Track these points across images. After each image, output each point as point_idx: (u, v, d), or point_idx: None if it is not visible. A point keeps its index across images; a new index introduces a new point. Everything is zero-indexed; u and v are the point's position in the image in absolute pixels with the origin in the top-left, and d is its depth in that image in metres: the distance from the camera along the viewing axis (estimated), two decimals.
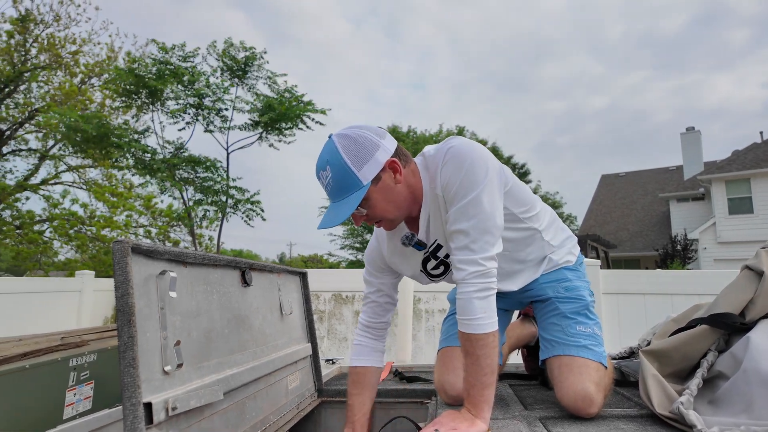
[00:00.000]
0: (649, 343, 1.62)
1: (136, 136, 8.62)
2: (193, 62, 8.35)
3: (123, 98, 8.51)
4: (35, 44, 11.34)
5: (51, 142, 8.82)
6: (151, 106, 8.50)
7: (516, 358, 1.87)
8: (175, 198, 9.05)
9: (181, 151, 8.71)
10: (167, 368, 0.92)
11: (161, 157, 8.45)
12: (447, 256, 1.29)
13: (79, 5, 11.77)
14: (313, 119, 8.75)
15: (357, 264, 19.65)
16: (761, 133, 17.51)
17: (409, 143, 18.14)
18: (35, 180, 12.05)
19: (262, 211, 9.05)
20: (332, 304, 4.12)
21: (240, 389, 1.19)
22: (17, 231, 11.54)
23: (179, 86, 8.09)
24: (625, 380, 1.65)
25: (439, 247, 1.27)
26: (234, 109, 8.68)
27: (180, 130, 8.71)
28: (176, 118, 8.51)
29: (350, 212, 1.07)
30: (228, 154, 8.98)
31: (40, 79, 11.67)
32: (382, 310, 1.41)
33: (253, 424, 1.23)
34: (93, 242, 11.60)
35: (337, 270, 4.73)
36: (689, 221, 16.22)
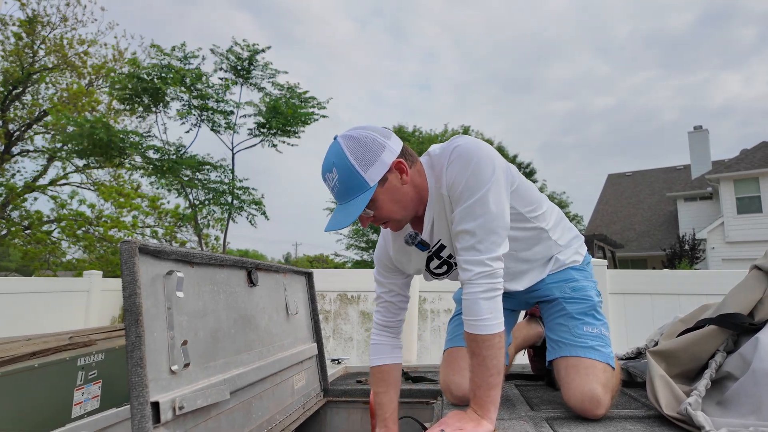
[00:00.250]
0: (656, 344, 1.60)
1: (140, 139, 8.67)
2: (193, 64, 8.39)
3: (126, 102, 8.56)
4: (43, 46, 11.45)
5: (59, 144, 8.92)
6: (154, 108, 8.53)
7: (522, 359, 1.86)
8: (180, 196, 9.10)
9: (182, 151, 8.75)
10: (174, 368, 0.93)
11: (166, 158, 8.50)
12: (450, 256, 1.29)
13: (85, 6, 11.88)
14: (317, 116, 8.77)
15: (362, 264, 19.66)
16: None
17: (415, 143, 18.12)
18: (44, 181, 12.18)
19: (264, 213, 9.08)
20: (338, 304, 4.12)
21: (246, 389, 1.20)
22: (25, 231, 11.65)
23: (182, 88, 8.12)
24: (632, 381, 1.64)
25: (442, 247, 1.27)
26: (238, 107, 8.70)
27: (186, 132, 8.76)
28: (183, 120, 8.55)
29: (358, 214, 1.06)
30: (233, 154, 9.02)
31: (48, 80, 11.78)
32: (396, 308, 1.41)
33: (259, 424, 1.24)
34: (100, 242, 11.69)
35: (343, 270, 4.73)
36: (697, 221, 16.09)
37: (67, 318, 4.72)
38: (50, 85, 11.95)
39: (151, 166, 8.37)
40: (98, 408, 1.50)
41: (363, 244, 19.75)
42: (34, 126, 12.15)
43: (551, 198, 19.60)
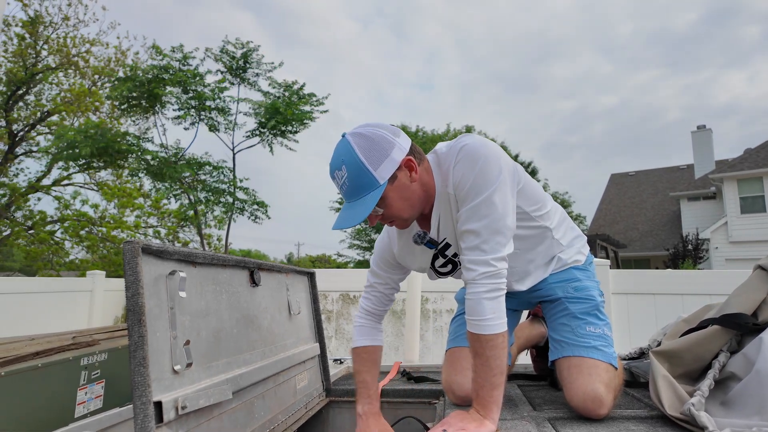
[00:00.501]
0: (659, 344, 1.60)
1: (136, 141, 8.69)
2: (191, 65, 8.40)
3: (125, 105, 8.58)
4: (45, 46, 11.49)
5: (58, 148, 8.98)
6: (152, 110, 8.55)
7: (525, 359, 1.86)
8: (179, 199, 9.13)
9: (181, 154, 8.77)
10: (177, 367, 0.93)
11: (164, 157, 8.51)
12: (455, 254, 1.29)
13: (86, 6, 11.91)
14: (317, 112, 8.77)
15: (365, 264, 19.66)
16: None
17: (418, 143, 18.10)
18: (47, 181, 12.22)
19: (266, 212, 9.10)
20: (340, 303, 4.13)
21: (249, 389, 1.20)
22: (29, 231, 11.70)
23: (179, 90, 8.14)
24: (635, 381, 1.63)
25: (447, 245, 1.27)
26: (238, 103, 8.72)
27: (185, 129, 8.77)
28: (181, 120, 8.58)
29: (368, 213, 1.05)
30: (234, 154, 9.03)
31: (51, 80, 11.82)
32: (386, 299, 1.44)
33: (261, 424, 1.24)
34: (103, 243, 11.73)
35: (345, 270, 4.74)
36: (700, 220, 16.03)
37: (70, 318, 4.74)
38: (53, 86, 12.00)
39: (146, 170, 8.39)
40: (101, 408, 1.50)
41: (365, 244, 19.76)
42: (38, 127, 12.20)
43: (554, 198, 19.58)
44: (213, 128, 8.78)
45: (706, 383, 1.16)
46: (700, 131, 18.26)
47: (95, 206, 12.09)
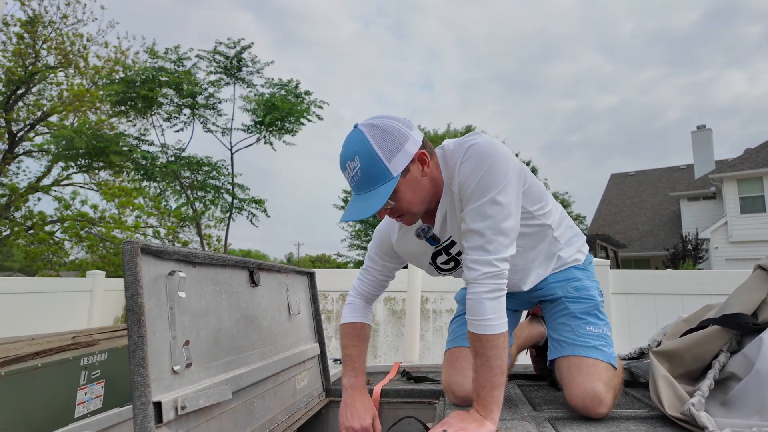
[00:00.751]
0: (659, 344, 1.60)
1: (135, 142, 8.70)
2: (186, 66, 8.41)
3: (120, 107, 8.59)
4: (44, 45, 11.49)
5: (55, 146, 9.01)
6: (148, 111, 8.56)
7: (525, 359, 1.86)
8: (174, 198, 9.14)
9: (181, 152, 8.77)
10: (176, 368, 0.93)
11: (162, 161, 8.52)
12: (459, 253, 1.29)
13: (85, 5, 11.91)
14: (314, 114, 8.78)
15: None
16: None
17: None
18: (47, 181, 12.22)
19: (265, 211, 9.10)
20: (340, 304, 4.12)
21: (248, 389, 1.20)
22: (28, 232, 11.69)
23: (173, 92, 8.15)
24: (635, 381, 1.63)
25: (452, 243, 1.27)
26: (234, 103, 8.74)
27: (177, 131, 8.79)
28: (172, 121, 8.59)
29: (380, 205, 1.04)
30: (232, 154, 9.03)
31: (51, 80, 11.82)
32: (379, 284, 1.47)
33: (261, 424, 1.24)
34: (103, 243, 11.73)
35: (345, 270, 4.73)
36: (700, 220, 16.04)
37: (70, 318, 4.74)
38: (53, 86, 11.99)
39: (142, 171, 8.40)
40: (101, 408, 1.50)
41: (365, 244, 19.76)
42: (37, 126, 12.20)
43: (554, 197, 19.58)
44: (207, 126, 8.79)
45: (706, 383, 1.16)
46: (700, 131, 18.27)
47: (95, 206, 12.09)
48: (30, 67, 11.36)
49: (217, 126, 8.87)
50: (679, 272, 3.65)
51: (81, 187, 12.40)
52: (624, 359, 1.85)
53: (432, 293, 3.97)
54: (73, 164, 9.39)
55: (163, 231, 12.18)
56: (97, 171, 10.75)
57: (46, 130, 12.11)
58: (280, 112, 8.27)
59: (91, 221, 11.77)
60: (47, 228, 11.88)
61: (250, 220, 9.11)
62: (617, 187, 21.92)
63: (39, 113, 11.98)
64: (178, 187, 8.72)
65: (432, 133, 19.19)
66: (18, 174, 12.00)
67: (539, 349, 1.77)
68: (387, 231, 1.39)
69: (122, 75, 8.41)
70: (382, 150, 1.06)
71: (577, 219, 22.42)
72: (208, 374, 1.04)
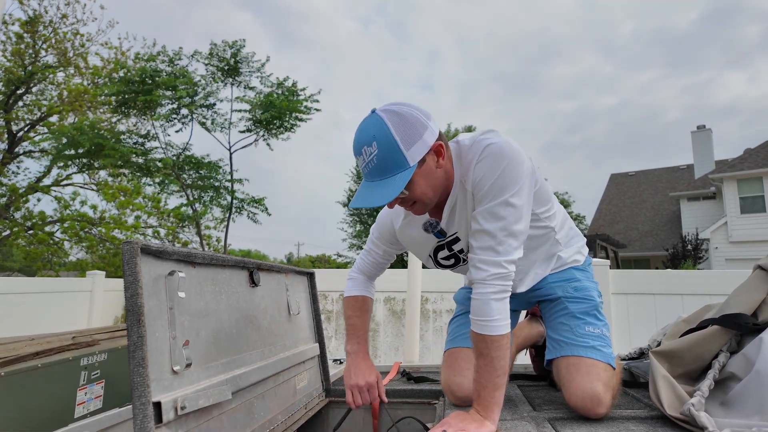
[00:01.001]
0: (659, 344, 1.60)
1: (136, 139, 8.72)
2: (180, 65, 8.44)
3: (120, 108, 8.60)
4: (44, 45, 11.48)
5: (62, 142, 9.02)
6: (148, 111, 8.58)
7: (525, 359, 1.86)
8: (177, 195, 9.15)
9: (185, 151, 8.79)
10: (176, 368, 0.93)
11: (162, 157, 8.54)
12: (461, 251, 1.29)
13: (84, 5, 11.91)
14: (311, 108, 8.80)
15: None
16: None
17: None
18: (47, 181, 12.22)
19: (266, 209, 9.12)
20: (340, 304, 4.12)
21: (248, 389, 1.20)
22: (28, 232, 11.69)
23: (171, 92, 8.17)
24: (634, 381, 1.63)
25: (456, 240, 1.26)
26: (232, 102, 8.77)
27: (177, 131, 8.82)
28: (170, 120, 8.61)
29: (396, 194, 1.01)
30: (231, 154, 9.05)
31: (50, 80, 11.82)
32: (380, 266, 1.50)
33: (261, 424, 1.24)
34: (102, 243, 11.72)
35: (345, 270, 4.73)
36: (700, 220, 16.04)
37: (70, 318, 4.74)
38: (52, 86, 11.99)
39: (137, 168, 8.41)
40: (101, 408, 1.50)
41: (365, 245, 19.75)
42: (37, 126, 12.20)
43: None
44: (204, 125, 8.80)
45: (706, 383, 1.16)
46: (700, 131, 18.27)
47: (94, 207, 12.09)
48: (30, 67, 11.36)
49: (215, 126, 8.89)
50: (679, 272, 3.65)
51: (81, 187, 12.41)
52: (624, 359, 1.85)
53: (432, 293, 3.97)
54: (72, 163, 9.39)
55: (162, 231, 12.18)
56: (96, 170, 10.75)
57: (45, 130, 12.11)
58: (278, 110, 8.29)
59: (91, 221, 11.76)
60: (47, 228, 11.88)
61: (252, 219, 9.12)
62: (617, 187, 21.92)
63: (38, 113, 11.98)
64: (177, 188, 8.72)
65: None
66: (18, 174, 12.02)
67: (538, 349, 1.76)
68: (390, 217, 1.38)
69: (122, 75, 8.42)
70: (402, 138, 1.03)
71: (577, 219, 22.42)
72: (207, 374, 1.04)
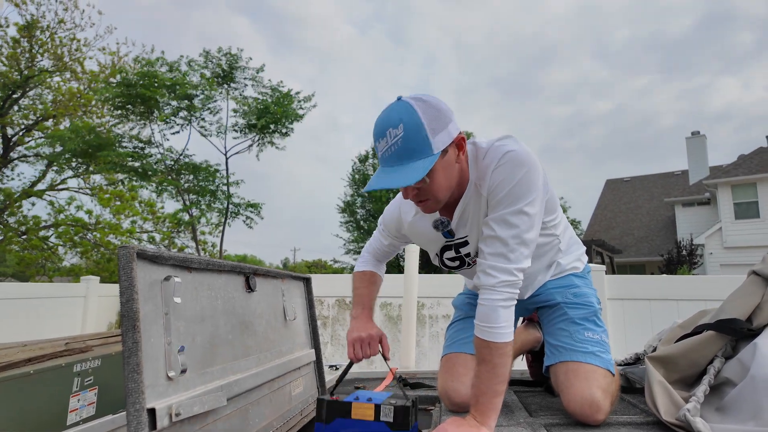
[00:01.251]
0: (655, 349, 1.60)
1: (134, 143, 8.73)
2: (180, 70, 8.47)
3: (120, 111, 8.60)
4: (40, 50, 11.46)
5: (59, 147, 8.95)
6: (149, 116, 8.59)
7: (520, 364, 1.86)
8: (175, 200, 9.14)
9: (183, 157, 8.80)
10: (171, 374, 0.92)
11: (159, 160, 8.54)
12: (468, 254, 1.29)
13: (83, 11, 11.91)
14: (305, 107, 8.85)
15: None
16: (767, 137, 17.44)
17: None
18: (42, 186, 12.15)
19: (259, 212, 9.12)
20: (336, 309, 4.11)
21: (243, 395, 1.19)
22: (22, 237, 11.60)
23: (170, 93, 8.19)
24: (631, 387, 1.63)
25: (465, 243, 1.27)
26: (228, 106, 8.81)
27: (174, 133, 8.83)
28: (169, 122, 8.62)
29: (419, 177, 1.00)
30: (227, 158, 9.06)
31: (46, 84, 11.78)
32: (388, 255, 1.53)
33: (256, 430, 1.23)
34: (97, 248, 11.65)
35: (341, 275, 4.73)
36: (695, 226, 16.12)
37: (63, 324, 4.70)
38: (48, 90, 11.95)
39: (134, 172, 8.41)
40: (94, 415, 1.48)
41: (361, 250, 19.73)
42: (32, 131, 12.15)
43: None
44: (203, 130, 8.82)
45: (702, 389, 1.17)
46: (695, 137, 18.41)
47: (89, 212, 12.02)
48: (25, 71, 11.33)
49: (210, 131, 8.91)
50: (674, 278, 3.66)
51: (76, 191, 12.34)
52: (620, 365, 1.85)
53: (428, 299, 3.97)
54: (68, 167, 9.35)
55: (158, 236, 12.12)
56: (91, 173, 10.71)
57: (40, 134, 12.06)
58: (273, 116, 8.33)
59: (86, 226, 11.70)
60: (41, 233, 11.81)
61: (247, 224, 9.12)
62: (613, 192, 22.03)
63: (34, 118, 11.93)
64: (174, 191, 8.71)
65: None
66: (12, 179, 11.95)
67: (535, 355, 1.76)
68: (398, 211, 1.37)
69: (120, 78, 8.43)
70: (429, 124, 1.02)
71: (573, 224, 22.50)
72: (203, 380, 1.03)
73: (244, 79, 8.87)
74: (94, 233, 11.68)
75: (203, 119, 8.79)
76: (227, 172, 9.03)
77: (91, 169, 9.63)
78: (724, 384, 1.20)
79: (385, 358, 1.32)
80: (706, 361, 1.26)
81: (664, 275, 4.04)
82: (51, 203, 11.94)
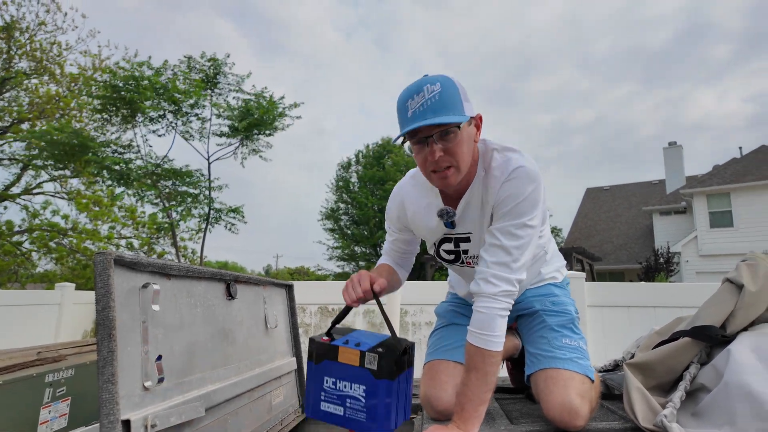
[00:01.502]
0: (633, 356, 1.63)
1: (114, 148, 8.59)
2: (166, 75, 8.40)
3: (104, 112, 8.46)
4: (19, 51, 11.19)
5: (35, 151, 8.71)
6: (132, 120, 8.46)
7: (502, 372, 1.86)
8: (154, 204, 8.99)
9: (164, 162, 8.68)
10: (147, 384, 0.90)
11: (141, 165, 8.41)
12: (466, 251, 1.31)
13: (65, 13, 11.70)
14: (290, 116, 8.84)
15: (344, 276, 19.54)
16: (740, 148, 18.03)
17: (402, 155, 18.22)
18: (17, 189, 11.80)
19: (242, 218, 9.05)
20: (318, 317, 4.08)
21: (222, 405, 1.17)
22: None
23: (156, 96, 8.09)
24: (610, 393, 1.65)
25: (467, 239, 1.28)
26: (211, 111, 8.74)
27: (159, 136, 8.72)
28: (155, 124, 8.53)
29: (460, 120, 1.05)
30: (209, 163, 8.97)
31: (23, 86, 11.50)
32: (399, 256, 1.46)
33: None
34: (73, 254, 11.35)
35: (324, 282, 4.70)
36: (672, 234, 16.50)
37: (36, 332, 4.55)
38: (24, 92, 11.66)
39: (117, 176, 8.26)
40: (65, 427, 1.44)
41: (346, 256, 19.66)
42: (7, 133, 11.81)
43: None
44: (188, 135, 8.73)
45: (678, 395, 1.19)
46: (672, 147, 18.90)
47: (66, 216, 11.72)
48: (2, 73, 11.04)
49: (193, 135, 8.82)
50: (652, 285, 3.73)
51: (52, 196, 12.03)
52: (599, 371, 1.88)
53: (411, 306, 3.96)
54: (45, 171, 9.12)
55: (137, 242, 11.87)
56: (68, 178, 10.45)
57: (15, 137, 11.73)
58: (256, 119, 8.30)
59: (62, 231, 11.40)
60: (14, 238, 11.45)
61: (230, 229, 9.02)
62: (592, 201, 22.43)
63: (9, 120, 11.62)
64: (154, 196, 8.57)
65: None
66: None
67: (515, 362, 1.77)
68: (400, 198, 1.37)
69: (107, 79, 8.28)
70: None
71: (554, 232, 22.82)
72: (180, 390, 1.01)
73: (228, 84, 8.83)
74: (71, 239, 11.38)
75: (189, 122, 8.70)
76: (209, 176, 8.94)
77: (68, 173, 9.39)
78: (699, 390, 1.23)
79: (376, 294, 1.21)
80: (682, 367, 1.29)
81: (642, 282, 4.11)
82: (25, 207, 11.60)
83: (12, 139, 11.47)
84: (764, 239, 13.44)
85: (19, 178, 11.68)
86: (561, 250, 1.67)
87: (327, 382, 1.11)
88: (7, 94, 11.54)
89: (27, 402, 1.32)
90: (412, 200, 1.34)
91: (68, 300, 4.88)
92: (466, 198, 1.22)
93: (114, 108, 8.25)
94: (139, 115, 8.36)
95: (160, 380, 0.93)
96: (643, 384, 1.27)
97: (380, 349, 1.07)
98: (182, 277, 1.10)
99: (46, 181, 11.74)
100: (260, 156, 9.19)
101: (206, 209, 8.76)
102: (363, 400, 1.07)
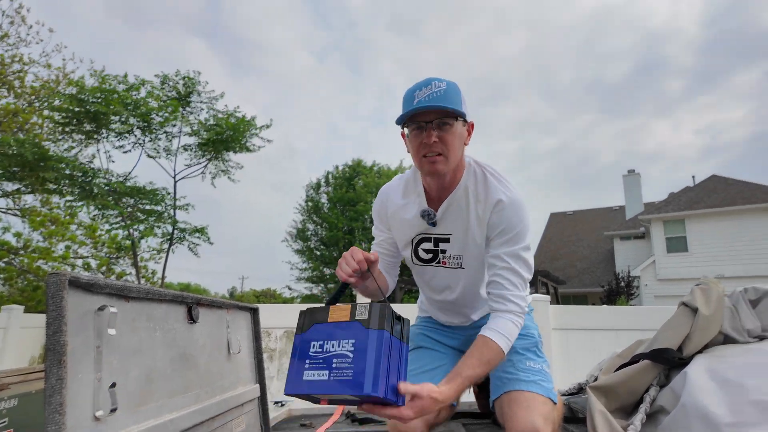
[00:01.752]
0: (596, 379, 1.66)
1: (77, 163, 8.29)
2: (137, 94, 8.25)
3: (66, 126, 8.18)
4: None
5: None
6: (96, 135, 8.22)
7: (468, 397, 1.86)
8: (115, 224, 8.67)
9: (127, 179, 8.43)
10: (99, 413, 0.85)
11: (104, 181, 8.14)
12: (444, 251, 1.36)
13: (30, 26, 11.35)
14: (261, 137, 8.80)
15: (312, 299, 19.23)
16: (693, 177, 19.06)
17: (373, 177, 18.32)
18: None
19: (208, 239, 8.83)
20: (284, 341, 3.99)
21: None
22: None
23: (125, 110, 7.91)
24: (574, 417, 1.67)
25: (446, 240, 1.33)
26: (181, 128, 8.61)
27: (125, 152, 8.49)
28: (122, 140, 8.31)
29: (456, 107, 1.16)
30: (175, 182, 8.77)
31: None
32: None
33: None
34: (23, 275, 10.73)
35: (292, 305, 4.60)
36: (632, 259, 17.11)
37: None
38: None
39: (79, 189, 7.96)
40: None
41: (315, 278, 19.40)
42: None
43: None
44: (155, 149, 8.54)
45: (639, 417, 1.21)
46: (630, 175, 19.78)
47: (18, 234, 11.12)
48: None
49: (160, 153, 8.63)
50: (613, 308, 3.84)
51: (3, 212, 11.42)
52: (564, 395, 1.90)
53: None
54: (3, 180, 8.66)
55: (94, 263, 11.36)
56: (23, 194, 9.96)
57: None
58: (223, 129, 8.23)
59: (13, 250, 10.79)
60: None
61: (192, 250, 8.78)
62: (557, 225, 23.09)
63: None
64: (116, 213, 8.28)
65: (385, 167, 19.50)
66: None
67: (481, 386, 1.77)
68: (385, 197, 1.43)
69: (72, 92, 8.02)
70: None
71: None
72: (135, 420, 0.96)
73: (200, 102, 8.74)
74: (22, 258, 10.77)
75: (158, 139, 8.51)
76: (174, 195, 8.72)
77: (23, 188, 8.94)
78: (659, 412, 1.26)
79: (370, 264, 1.17)
80: (643, 389, 1.32)
81: (605, 306, 4.22)
82: None
83: None
84: (717, 264, 14.13)
85: None
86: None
87: (314, 347, 1.04)
88: None
89: None
90: (397, 196, 1.41)
91: (15, 323, 4.60)
92: (448, 203, 1.31)
93: (77, 122, 7.99)
94: (104, 130, 8.12)
95: (113, 410, 0.88)
96: (606, 407, 1.29)
97: (372, 305, 1.03)
98: (142, 299, 1.06)
99: None
100: (228, 177, 9.07)
101: (170, 228, 8.51)
102: (351, 355, 0.98)
